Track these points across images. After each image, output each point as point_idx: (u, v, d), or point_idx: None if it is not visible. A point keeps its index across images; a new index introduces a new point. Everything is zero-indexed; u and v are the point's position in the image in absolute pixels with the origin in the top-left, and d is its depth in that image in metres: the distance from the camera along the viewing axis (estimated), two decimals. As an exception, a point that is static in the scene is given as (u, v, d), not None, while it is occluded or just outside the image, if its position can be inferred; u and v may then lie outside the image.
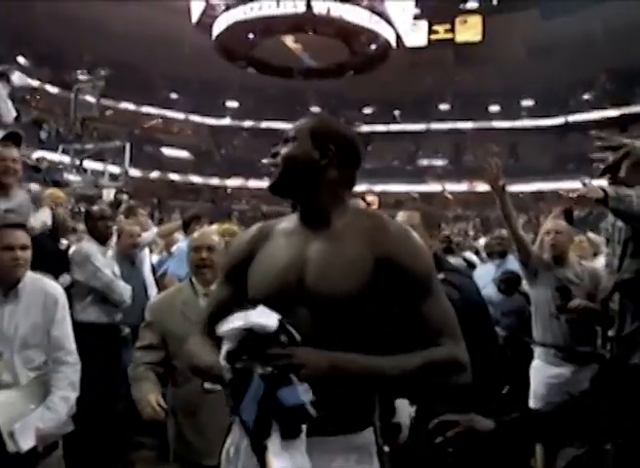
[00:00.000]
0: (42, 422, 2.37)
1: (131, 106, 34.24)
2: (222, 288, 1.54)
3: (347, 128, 1.54)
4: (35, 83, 28.71)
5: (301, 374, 1.16)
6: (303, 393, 1.14)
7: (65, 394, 2.48)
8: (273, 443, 1.13)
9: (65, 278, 3.91)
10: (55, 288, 2.66)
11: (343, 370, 1.24)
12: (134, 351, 2.64)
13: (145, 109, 35.42)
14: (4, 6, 26.03)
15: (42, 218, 4.07)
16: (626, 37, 27.28)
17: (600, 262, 4.27)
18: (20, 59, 29.31)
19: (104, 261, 3.92)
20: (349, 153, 1.48)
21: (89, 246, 3.96)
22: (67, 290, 3.96)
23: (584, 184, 2.41)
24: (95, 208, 4.29)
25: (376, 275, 1.32)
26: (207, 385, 2.27)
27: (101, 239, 4.04)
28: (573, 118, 32.52)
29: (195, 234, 2.79)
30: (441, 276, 2.15)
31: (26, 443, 2.29)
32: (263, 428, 1.14)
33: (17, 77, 3.32)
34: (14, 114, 3.70)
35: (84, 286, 3.83)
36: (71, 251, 4.10)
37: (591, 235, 5.24)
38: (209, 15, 22.84)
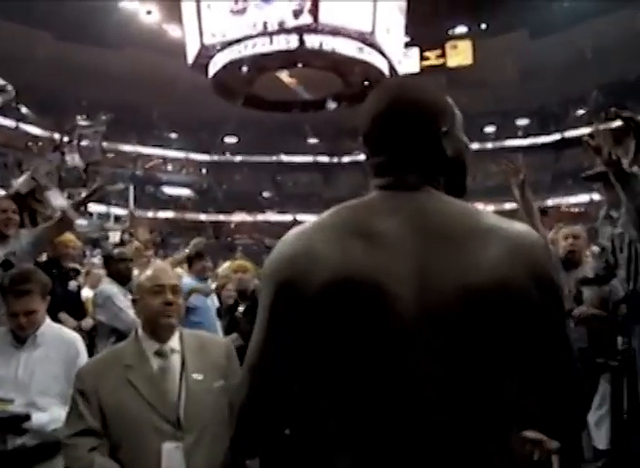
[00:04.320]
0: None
1: (131, 148, 34.66)
2: None
3: (384, 97, 1.06)
4: (38, 131, 29.19)
5: None
6: None
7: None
8: None
9: (88, 321, 4.00)
10: (74, 337, 2.68)
11: None
12: (63, 444, 1.87)
13: (146, 150, 35.85)
14: (4, 58, 26.65)
15: None
16: (615, 52, 27.72)
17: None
18: (23, 109, 29.86)
19: (127, 302, 3.92)
20: (367, 132, 1.08)
21: (110, 287, 4.03)
22: (90, 332, 4.07)
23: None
24: (115, 251, 4.42)
25: None
26: None
27: (123, 280, 4.11)
28: (568, 134, 32.78)
29: (149, 272, 2.06)
30: None
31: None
32: None
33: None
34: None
35: (107, 327, 3.87)
36: (92, 293, 4.19)
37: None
38: (204, 55, 23.24)
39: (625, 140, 2.66)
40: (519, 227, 0.97)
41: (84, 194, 3.55)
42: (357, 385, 0.89)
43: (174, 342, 1.99)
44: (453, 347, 0.88)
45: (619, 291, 3.02)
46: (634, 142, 2.45)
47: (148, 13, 30.82)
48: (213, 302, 4.75)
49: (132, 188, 18.83)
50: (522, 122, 36.36)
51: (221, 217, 36.39)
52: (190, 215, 35.24)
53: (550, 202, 29.21)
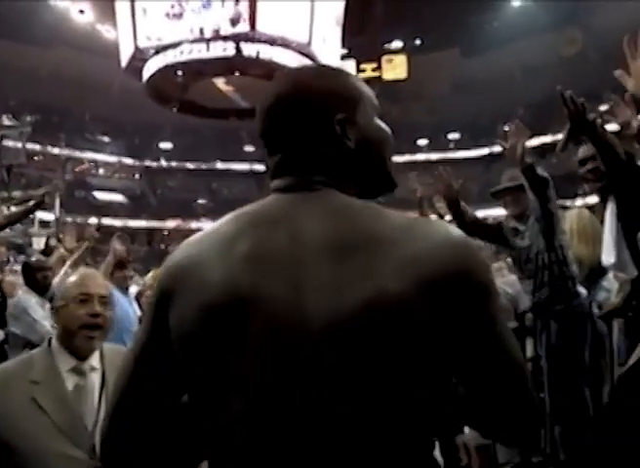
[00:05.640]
0: None
1: (61, 151, 33.48)
2: None
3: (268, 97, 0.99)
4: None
5: None
6: None
7: None
8: None
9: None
10: None
11: None
12: None
13: (76, 153, 34.73)
14: None
15: None
16: (542, 73, 29.17)
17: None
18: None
19: (43, 313, 3.77)
20: (260, 131, 1.03)
21: (26, 298, 3.86)
22: (2, 344, 3.89)
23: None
24: (33, 259, 4.23)
25: None
26: None
27: (40, 290, 3.94)
28: (496, 148, 34.09)
29: (76, 278, 1.81)
30: None
31: None
32: None
33: None
34: None
35: (21, 339, 3.70)
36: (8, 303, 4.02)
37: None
38: (138, 58, 22.76)
39: (548, 156, 2.81)
40: (436, 228, 0.84)
41: (31, 202, 3.35)
42: (239, 409, 0.79)
43: (94, 359, 1.74)
44: (350, 364, 0.76)
45: (524, 300, 3.17)
46: (568, 128, 2.50)
47: (81, 12, 30.00)
48: (134, 310, 4.62)
49: (58, 192, 18.04)
50: (453, 136, 37.60)
51: (155, 224, 35.64)
52: (122, 222, 34.31)
53: (480, 213, 30.22)
